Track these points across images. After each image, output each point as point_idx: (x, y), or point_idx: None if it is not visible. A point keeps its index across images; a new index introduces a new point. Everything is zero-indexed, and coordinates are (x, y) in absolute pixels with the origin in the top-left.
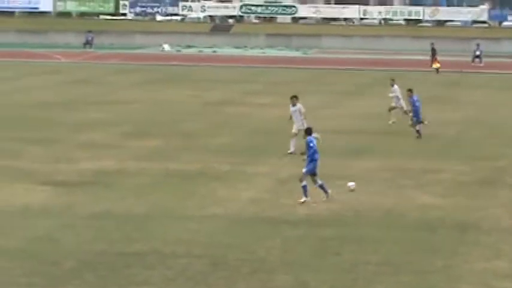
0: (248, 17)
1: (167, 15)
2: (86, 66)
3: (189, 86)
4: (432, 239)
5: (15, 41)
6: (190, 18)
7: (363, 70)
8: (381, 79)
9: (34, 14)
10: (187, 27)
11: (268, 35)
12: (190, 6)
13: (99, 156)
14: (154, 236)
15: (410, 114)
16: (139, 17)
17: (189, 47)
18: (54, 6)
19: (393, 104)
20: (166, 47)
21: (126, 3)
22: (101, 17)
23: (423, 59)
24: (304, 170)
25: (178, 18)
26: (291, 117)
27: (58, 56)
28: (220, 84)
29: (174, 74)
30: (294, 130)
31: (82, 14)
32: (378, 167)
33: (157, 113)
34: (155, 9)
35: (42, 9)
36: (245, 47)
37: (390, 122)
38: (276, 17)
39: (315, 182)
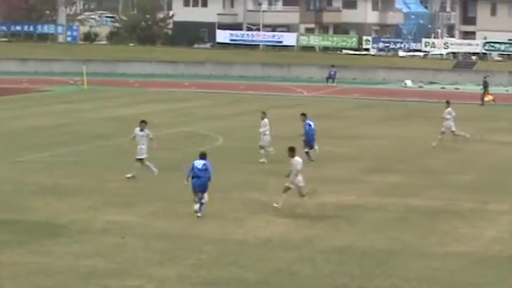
0: (490, 54)
1: (410, 51)
2: (327, 100)
3: (430, 123)
4: None
5: (259, 74)
6: (433, 54)
7: None
8: None
9: (277, 47)
10: (430, 64)
11: None
12: (433, 43)
13: (340, 190)
14: (394, 272)
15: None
16: (382, 53)
17: (431, 83)
18: (298, 40)
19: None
20: (409, 82)
21: (369, 38)
22: (344, 51)
23: None
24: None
25: (421, 54)
26: (133, 138)
27: (301, 90)
28: (462, 121)
29: (415, 110)
30: (137, 156)
31: (325, 49)
32: None
33: (398, 149)
34: (398, 45)
35: (285, 43)
36: None
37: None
38: None
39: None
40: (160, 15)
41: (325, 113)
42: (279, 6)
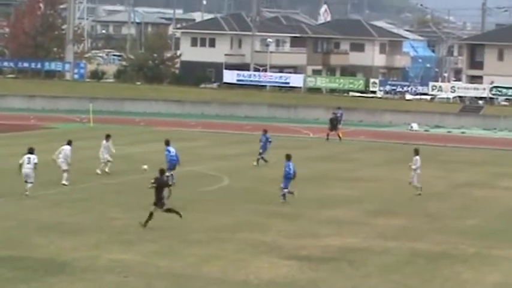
0: (497, 98)
1: (416, 94)
2: (333, 142)
3: (435, 167)
4: None
5: (266, 114)
6: (440, 98)
7: None
8: None
9: (284, 88)
10: (437, 107)
11: None
12: (440, 87)
13: (344, 233)
14: None
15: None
16: (389, 95)
17: (437, 127)
18: (305, 82)
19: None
20: (415, 126)
21: (376, 81)
22: (351, 94)
23: None
24: None
25: (428, 97)
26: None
27: (307, 131)
28: (468, 166)
29: (421, 154)
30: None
31: (332, 91)
32: None
33: (403, 192)
34: (405, 88)
35: (292, 84)
36: (494, 129)
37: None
38: None
39: None
40: (168, 55)
41: (331, 154)
42: (287, 47)
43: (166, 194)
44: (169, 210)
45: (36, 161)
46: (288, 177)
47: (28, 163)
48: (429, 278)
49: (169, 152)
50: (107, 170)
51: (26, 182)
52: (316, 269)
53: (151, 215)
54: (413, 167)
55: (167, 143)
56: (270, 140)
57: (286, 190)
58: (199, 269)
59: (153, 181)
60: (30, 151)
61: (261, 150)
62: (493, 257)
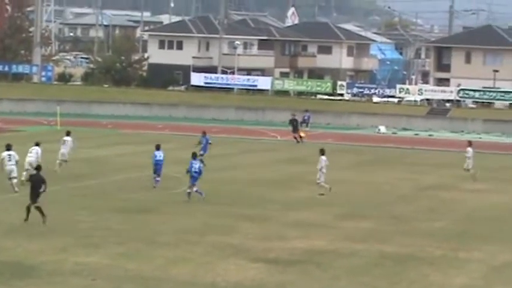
0: (464, 101)
1: (384, 96)
2: (301, 145)
3: (402, 169)
4: None
5: (233, 117)
6: (407, 100)
7: None
8: None
9: (252, 91)
10: (404, 110)
11: (485, 120)
12: (407, 89)
13: (311, 236)
14: None
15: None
16: (356, 98)
17: (405, 129)
18: (272, 84)
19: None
20: (383, 128)
21: (344, 84)
22: (318, 96)
23: None
24: None
25: (395, 100)
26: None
27: (274, 134)
28: (435, 168)
29: (388, 156)
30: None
31: (299, 93)
32: None
33: (370, 195)
34: (372, 91)
35: (260, 87)
36: (461, 131)
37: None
38: (493, 102)
39: None
40: (135, 57)
41: (298, 157)
42: (254, 50)
43: (41, 189)
44: (38, 209)
45: (17, 158)
46: (193, 176)
47: (9, 160)
48: (397, 280)
49: (155, 156)
50: (57, 168)
51: (9, 178)
52: (284, 272)
53: (28, 209)
54: (318, 166)
55: (157, 147)
56: (210, 141)
57: (194, 189)
58: (168, 271)
59: (28, 178)
60: (8, 148)
61: (201, 152)
62: (459, 259)
